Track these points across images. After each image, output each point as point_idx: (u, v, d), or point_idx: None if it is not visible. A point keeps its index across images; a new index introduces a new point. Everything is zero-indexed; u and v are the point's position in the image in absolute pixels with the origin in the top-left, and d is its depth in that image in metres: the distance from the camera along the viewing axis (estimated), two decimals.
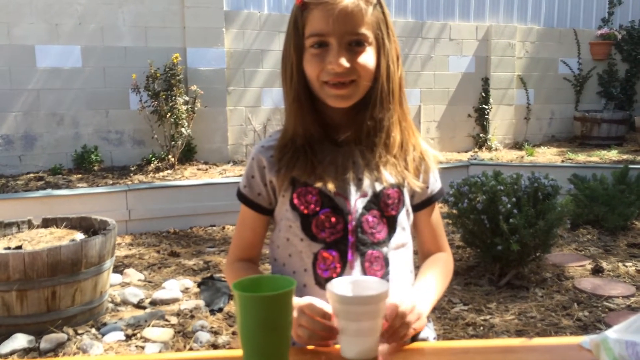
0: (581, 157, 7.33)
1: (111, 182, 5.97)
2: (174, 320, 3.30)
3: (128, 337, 3.09)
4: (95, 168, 6.48)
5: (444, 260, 1.27)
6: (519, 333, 3.18)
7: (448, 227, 4.75)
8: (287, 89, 1.15)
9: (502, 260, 3.82)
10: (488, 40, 8.21)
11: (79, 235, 3.54)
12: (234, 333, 3.16)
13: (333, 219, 1.14)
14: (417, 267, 1.30)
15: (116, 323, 3.22)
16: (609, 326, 3.22)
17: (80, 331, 3.13)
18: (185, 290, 3.75)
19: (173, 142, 6.39)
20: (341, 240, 1.14)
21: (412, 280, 1.23)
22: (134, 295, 3.57)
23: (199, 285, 3.80)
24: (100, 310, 3.33)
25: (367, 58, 1.10)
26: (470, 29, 8.18)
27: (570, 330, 3.19)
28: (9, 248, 3.09)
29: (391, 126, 1.14)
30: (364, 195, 1.15)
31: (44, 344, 2.96)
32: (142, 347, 3.00)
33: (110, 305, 3.48)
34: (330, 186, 1.13)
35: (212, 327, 3.22)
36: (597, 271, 4.16)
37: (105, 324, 3.22)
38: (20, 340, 2.96)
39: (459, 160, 7.22)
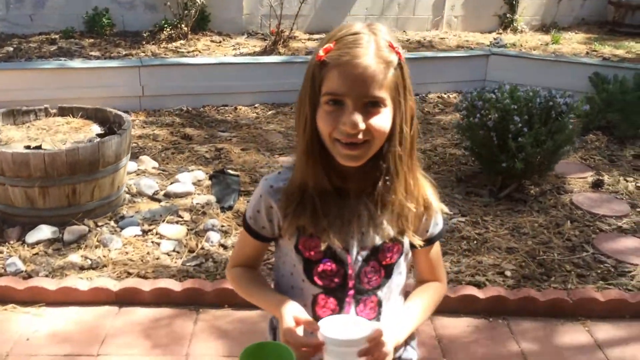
0: (607, 49, 7.07)
1: (124, 51, 5.90)
2: (186, 216, 3.51)
3: (144, 233, 3.32)
4: (107, 32, 6.36)
5: (435, 289, 1.34)
6: (509, 251, 3.37)
7: (455, 137, 4.79)
8: (300, 139, 1.16)
9: (505, 174, 3.91)
10: None
11: (95, 128, 3.64)
12: None
13: (334, 269, 1.20)
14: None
15: (133, 217, 3.44)
16: (595, 249, 3.41)
17: (100, 223, 3.36)
18: (198, 183, 3.92)
19: (186, 11, 6.18)
20: (339, 289, 1.21)
21: None
22: (148, 187, 3.75)
23: (210, 177, 3.97)
24: (118, 202, 3.53)
25: (383, 120, 1.09)
26: None
27: (558, 251, 3.37)
28: (29, 147, 3.20)
29: (398, 184, 1.16)
30: (364, 248, 1.20)
31: (67, 235, 3.21)
32: (158, 244, 3.24)
33: (127, 196, 3.67)
34: (335, 240, 1.17)
35: (222, 226, 3.44)
36: (597, 185, 4.26)
37: (123, 217, 3.44)
38: (44, 232, 3.19)
39: (480, 46, 6.99)
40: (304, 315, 1.17)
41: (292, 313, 1.16)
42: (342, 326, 1.12)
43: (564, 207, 3.93)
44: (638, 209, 3.97)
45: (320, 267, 1.20)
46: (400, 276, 1.27)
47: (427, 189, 1.24)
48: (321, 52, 1.09)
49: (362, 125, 1.06)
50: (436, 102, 6.08)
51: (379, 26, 1.12)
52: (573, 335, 2.74)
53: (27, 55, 5.59)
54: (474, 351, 2.61)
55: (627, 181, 4.40)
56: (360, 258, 1.20)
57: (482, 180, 4.18)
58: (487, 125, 3.72)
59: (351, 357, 1.08)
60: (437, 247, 1.32)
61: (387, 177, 1.15)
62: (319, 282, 1.21)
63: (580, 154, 4.87)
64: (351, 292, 1.22)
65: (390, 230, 1.19)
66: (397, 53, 1.09)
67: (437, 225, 1.29)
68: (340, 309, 1.22)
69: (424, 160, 4.58)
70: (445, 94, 6.34)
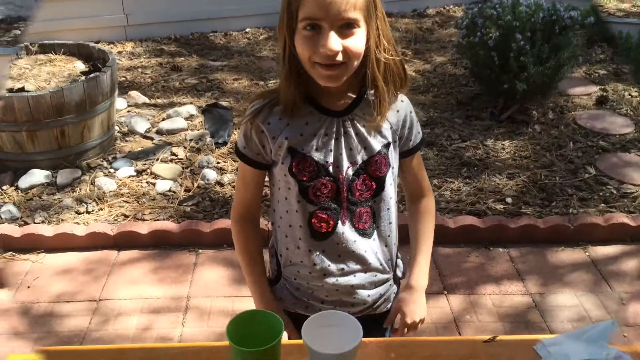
0: None
1: None
2: (180, 153, 3.43)
3: (139, 173, 3.26)
4: None
5: (428, 214, 1.44)
6: (510, 176, 3.32)
7: (455, 56, 4.61)
8: (281, 64, 1.21)
9: (507, 95, 3.79)
10: None
11: (78, 65, 3.49)
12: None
13: (328, 186, 1.26)
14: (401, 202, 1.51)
15: (126, 157, 3.37)
16: (597, 170, 3.36)
17: (92, 165, 3.29)
18: (190, 118, 3.81)
19: None
20: (334, 203, 1.28)
21: (395, 224, 1.39)
22: (140, 124, 3.65)
23: (202, 112, 3.86)
24: (110, 142, 3.45)
25: (357, 41, 1.14)
26: None
27: (560, 174, 3.32)
28: (12, 90, 3.08)
29: (379, 98, 1.22)
30: (353, 163, 1.26)
31: (60, 179, 3.15)
32: (153, 184, 3.19)
33: (119, 135, 3.58)
34: (326, 157, 1.24)
35: (217, 163, 3.37)
36: (601, 102, 4.15)
37: (115, 158, 3.36)
38: (37, 176, 3.14)
39: None
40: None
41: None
42: (326, 332, 1.04)
43: (567, 127, 3.83)
44: None
45: (315, 186, 1.25)
46: (391, 187, 1.32)
47: (406, 100, 1.32)
48: None
49: (339, 47, 1.11)
50: (435, 18, 5.83)
51: None
52: (573, 259, 2.74)
53: None
54: (474, 281, 2.62)
55: (631, 96, 4.28)
56: (350, 172, 1.26)
57: (483, 102, 4.06)
58: (487, 44, 3.56)
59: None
60: (418, 158, 1.40)
61: (366, 95, 1.24)
62: (314, 200, 1.27)
63: (585, 68, 4.71)
64: (345, 204, 1.28)
65: (375, 144, 1.26)
66: None
67: (418, 134, 1.36)
68: (335, 220, 1.28)
69: (423, 82, 4.45)
70: (444, 7, 6.07)
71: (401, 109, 1.30)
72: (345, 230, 1.28)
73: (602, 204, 3.06)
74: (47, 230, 2.77)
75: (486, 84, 3.86)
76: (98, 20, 4.91)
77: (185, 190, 3.13)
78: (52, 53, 3.58)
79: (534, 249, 2.81)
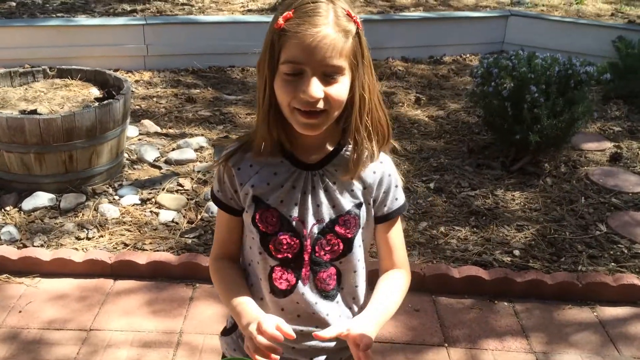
0: (634, 10, 6.72)
1: (128, 7, 5.71)
2: (187, 184, 3.42)
3: (143, 202, 3.24)
4: None
5: (398, 280, 1.26)
6: (519, 228, 3.26)
7: (469, 104, 4.60)
8: (260, 102, 1.14)
9: (519, 146, 3.76)
10: None
11: (94, 91, 3.52)
12: None
13: (290, 242, 1.20)
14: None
15: (132, 185, 3.36)
16: (608, 227, 3.28)
17: (98, 191, 3.28)
18: (200, 149, 3.81)
19: None
20: (296, 260, 1.20)
21: (362, 287, 1.29)
22: (149, 153, 3.65)
23: (214, 146, 3.86)
24: (117, 169, 3.44)
25: (340, 89, 1.09)
26: None
27: (570, 229, 3.25)
28: (24, 112, 3.10)
29: (357, 154, 1.16)
30: (320, 221, 1.19)
31: (64, 203, 3.13)
32: (157, 213, 3.16)
33: (127, 162, 3.58)
34: (290, 212, 1.18)
35: None
36: (615, 159, 4.09)
37: (121, 185, 3.35)
38: (41, 198, 3.12)
39: (499, 5, 6.68)
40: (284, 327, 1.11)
41: (274, 321, 1.11)
42: None
43: (579, 182, 3.77)
44: None
45: (277, 240, 1.19)
46: (360, 249, 1.24)
47: (387, 161, 1.24)
48: (280, 20, 1.06)
49: (320, 94, 1.06)
50: (451, 65, 5.85)
51: None
52: (580, 318, 2.65)
53: (30, 11, 5.44)
54: (477, 334, 2.53)
55: None
56: (316, 230, 1.19)
57: (494, 152, 4.02)
58: (501, 94, 3.54)
59: None
60: (397, 228, 1.28)
61: (343, 149, 1.18)
62: (276, 255, 1.20)
63: (600, 124, 4.67)
64: (307, 263, 1.21)
65: (345, 203, 1.19)
66: (356, 22, 1.08)
67: (396, 200, 1.25)
68: (296, 280, 1.20)
69: (435, 128, 4.43)
70: (461, 56, 6.10)
71: (378, 170, 1.22)
72: (306, 291, 1.21)
73: (612, 263, 2.97)
74: (45, 254, 2.74)
75: (499, 133, 3.83)
76: (119, 49, 5.00)
77: (188, 222, 3.10)
78: (68, 78, 3.61)
79: (540, 305, 2.72)
